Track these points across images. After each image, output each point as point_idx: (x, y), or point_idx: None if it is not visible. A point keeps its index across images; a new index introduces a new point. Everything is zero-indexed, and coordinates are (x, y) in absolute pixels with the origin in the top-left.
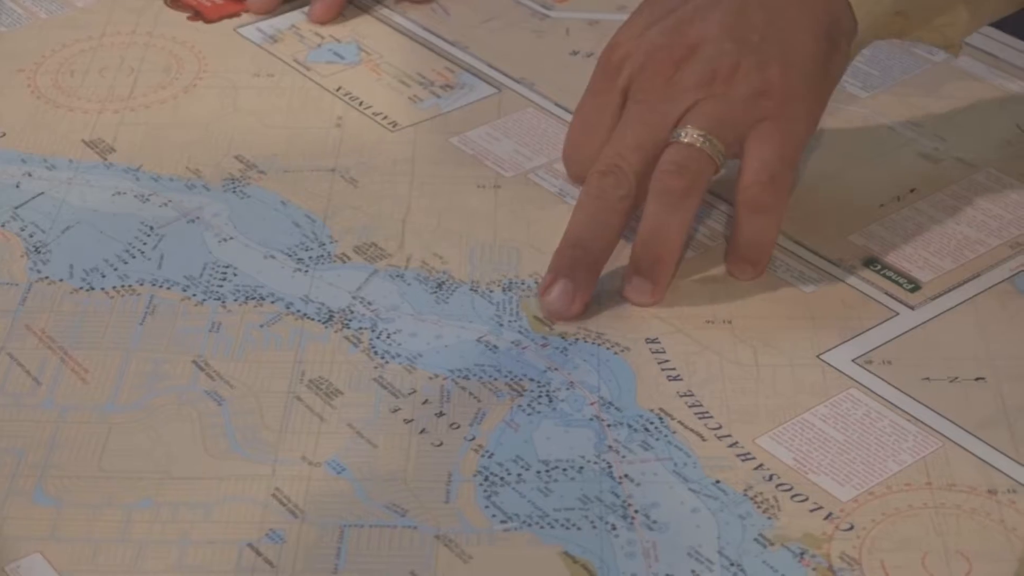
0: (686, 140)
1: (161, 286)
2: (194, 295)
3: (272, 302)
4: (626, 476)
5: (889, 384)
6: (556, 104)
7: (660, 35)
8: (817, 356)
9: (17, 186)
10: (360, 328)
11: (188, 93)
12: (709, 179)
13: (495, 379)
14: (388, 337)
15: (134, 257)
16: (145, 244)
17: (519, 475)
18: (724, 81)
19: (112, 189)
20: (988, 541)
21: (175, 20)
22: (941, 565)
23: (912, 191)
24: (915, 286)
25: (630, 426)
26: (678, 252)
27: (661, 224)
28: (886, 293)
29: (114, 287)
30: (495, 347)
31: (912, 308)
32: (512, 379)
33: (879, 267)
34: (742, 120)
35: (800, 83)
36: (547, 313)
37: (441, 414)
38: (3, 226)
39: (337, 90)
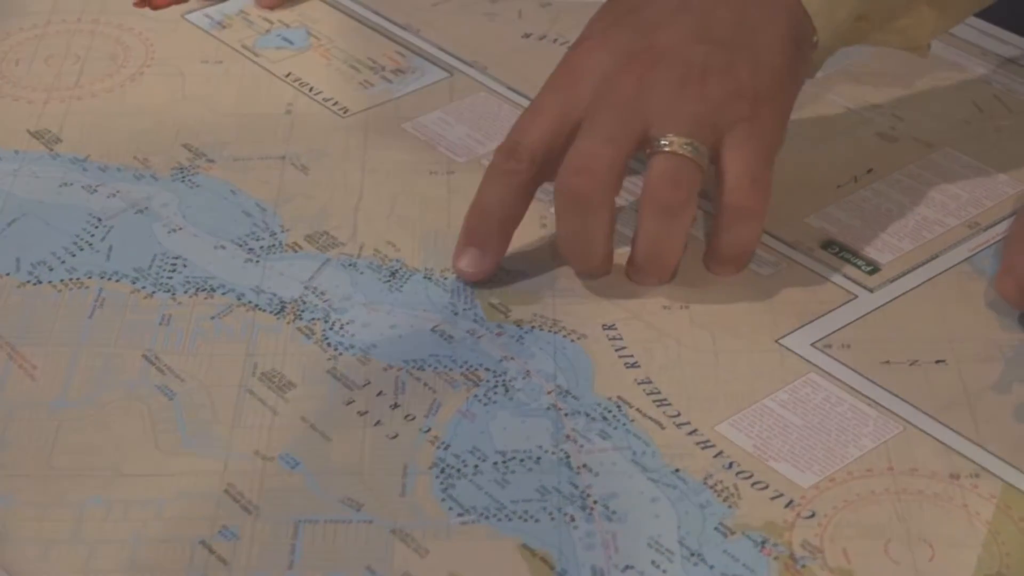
0: (671, 149)
1: (110, 279)
2: (143, 287)
3: (223, 293)
4: (584, 466)
5: (849, 368)
6: (508, 88)
7: (629, 39)
8: (776, 341)
9: None
10: (313, 319)
11: (135, 81)
12: (699, 184)
13: (450, 369)
14: (341, 328)
15: (82, 250)
16: (93, 236)
17: (476, 466)
18: (697, 83)
19: (59, 180)
20: (951, 526)
21: (122, 7)
22: (904, 552)
23: (869, 171)
24: (873, 268)
25: (588, 415)
26: (681, 253)
27: (660, 238)
28: (844, 276)
29: (62, 280)
30: (450, 336)
31: (871, 290)
32: (468, 369)
33: (837, 249)
34: (719, 123)
35: (771, 84)
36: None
37: (396, 406)
38: None
39: (287, 76)
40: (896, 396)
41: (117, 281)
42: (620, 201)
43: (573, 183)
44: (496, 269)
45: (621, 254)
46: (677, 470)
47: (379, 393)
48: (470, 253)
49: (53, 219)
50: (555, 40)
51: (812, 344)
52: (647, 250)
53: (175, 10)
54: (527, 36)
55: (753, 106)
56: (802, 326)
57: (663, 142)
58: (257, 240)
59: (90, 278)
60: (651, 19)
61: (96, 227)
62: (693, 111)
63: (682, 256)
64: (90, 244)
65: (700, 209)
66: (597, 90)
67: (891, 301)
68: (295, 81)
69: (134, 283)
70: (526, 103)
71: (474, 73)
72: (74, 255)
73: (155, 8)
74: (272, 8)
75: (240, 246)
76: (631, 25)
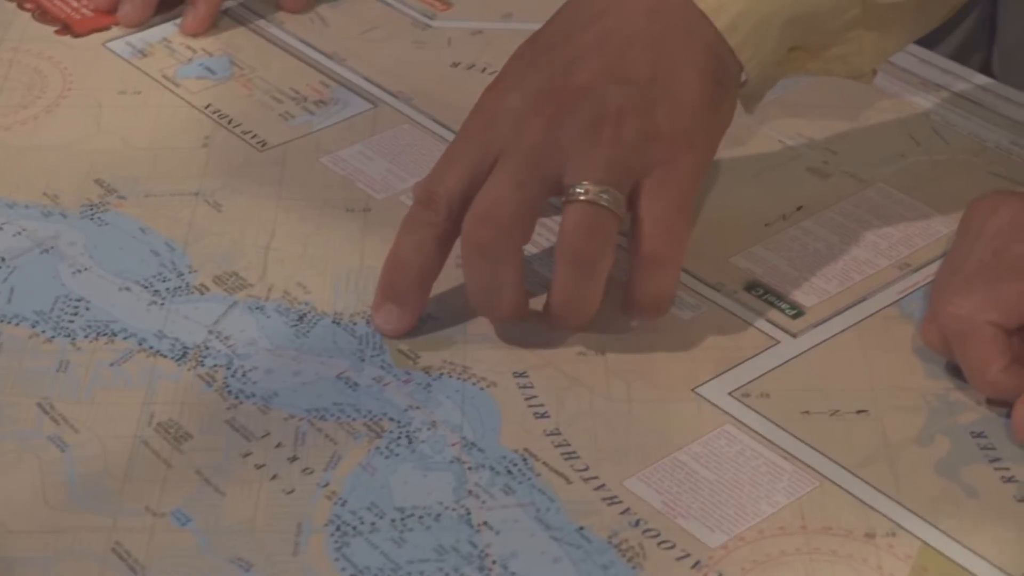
0: (586, 198)
1: (10, 322)
2: (43, 331)
3: (124, 338)
4: (485, 523)
5: (766, 419)
6: (434, 120)
7: (542, 79)
8: (692, 390)
9: None
10: (215, 365)
11: (50, 113)
12: (617, 233)
13: (353, 419)
14: (243, 375)
15: None
16: None
17: (373, 524)
18: (611, 126)
19: None
20: None
21: (42, 34)
22: None
23: (799, 209)
24: (798, 312)
25: (492, 468)
26: (599, 302)
27: (576, 289)
28: (767, 320)
29: None
30: (356, 384)
31: (794, 336)
32: (371, 419)
33: (761, 292)
34: (634, 167)
35: (690, 126)
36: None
37: (295, 458)
38: None
39: (206, 107)
40: (814, 449)
41: (17, 324)
42: (544, 242)
43: (478, 232)
44: (416, 323)
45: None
46: (581, 528)
47: (278, 445)
48: (388, 309)
49: None
50: (484, 69)
51: (730, 393)
52: (563, 300)
53: (97, 38)
54: (456, 65)
55: (670, 149)
56: (720, 374)
57: (578, 190)
58: (163, 281)
59: None
60: (565, 58)
61: None
62: (607, 155)
63: (600, 302)
64: None
65: (622, 248)
66: (508, 134)
67: (814, 347)
68: (214, 113)
69: (34, 326)
70: (450, 136)
71: (399, 104)
72: None
73: (76, 35)
74: (196, 35)
75: (145, 288)
76: (545, 65)
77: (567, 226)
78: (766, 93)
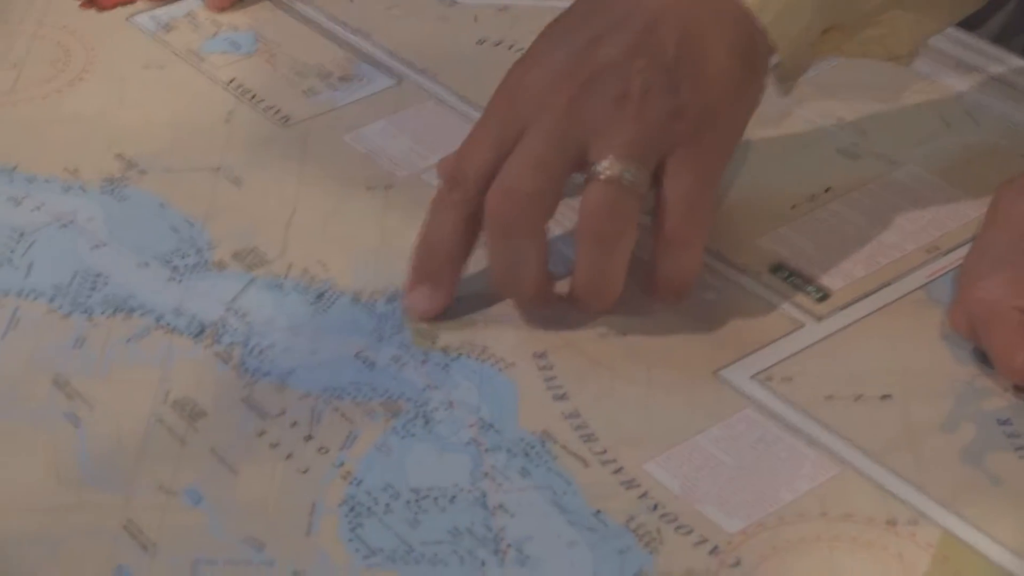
0: (607, 176)
1: (27, 297)
2: (60, 306)
3: (141, 315)
4: (501, 506)
5: (788, 403)
6: (458, 96)
7: (566, 56)
8: (714, 372)
9: None
10: (232, 343)
11: (73, 87)
12: (638, 210)
13: (370, 398)
14: (260, 352)
15: (1, 266)
16: (13, 252)
17: (387, 504)
18: (635, 102)
19: None
20: None
21: (67, 8)
22: None
23: (827, 190)
24: (824, 295)
25: (509, 450)
26: (622, 281)
27: (598, 268)
28: (792, 303)
29: None
30: (373, 363)
31: (819, 319)
32: (388, 398)
33: (787, 274)
34: (658, 146)
35: (716, 104)
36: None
37: (310, 437)
38: None
39: (229, 83)
40: (836, 434)
41: (34, 300)
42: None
43: (500, 207)
44: (449, 303)
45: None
46: (598, 512)
47: (293, 424)
48: (420, 291)
49: None
50: (510, 47)
51: (752, 376)
52: (585, 281)
53: (121, 12)
54: (481, 42)
55: (695, 128)
56: (743, 357)
57: (600, 168)
58: (183, 258)
59: (7, 296)
60: (591, 35)
61: (18, 242)
62: (631, 132)
63: (623, 283)
64: (10, 260)
65: (645, 227)
66: (532, 111)
67: (839, 331)
68: (237, 88)
69: (51, 301)
70: (475, 114)
71: (423, 81)
72: None
73: (101, 9)
74: (221, 10)
75: (164, 264)
76: (570, 42)
77: (587, 205)
78: (801, 75)
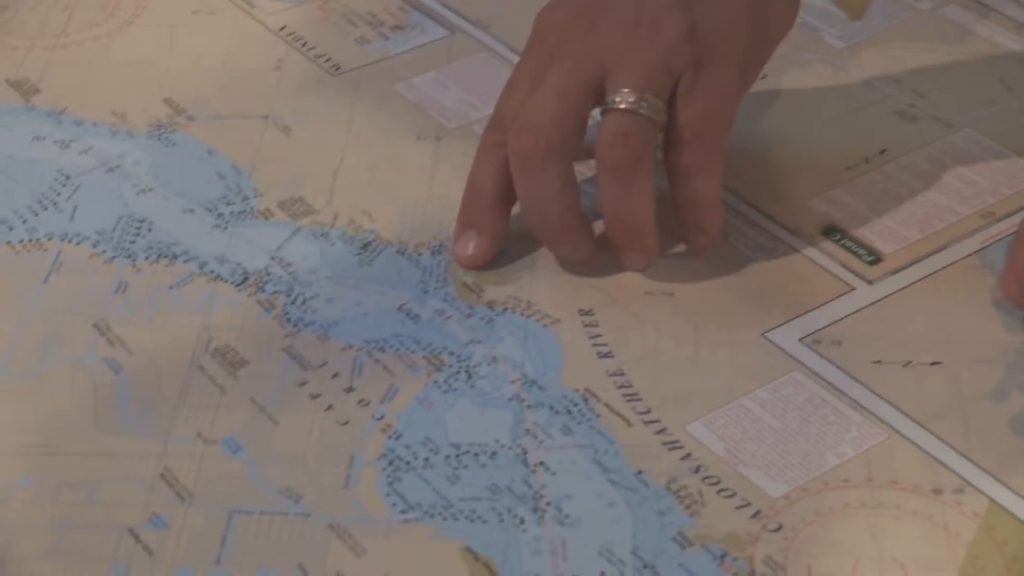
0: (623, 106)
1: (71, 241)
2: (104, 251)
3: (185, 261)
4: (541, 464)
5: (836, 367)
6: (510, 48)
7: None
8: (762, 334)
9: None
10: (275, 292)
11: (123, 31)
12: (656, 139)
13: (413, 352)
14: (304, 303)
15: (46, 209)
16: (59, 195)
17: (426, 459)
18: (648, 27)
19: (32, 134)
20: (927, 548)
21: None
22: (873, 573)
23: (882, 152)
24: (875, 258)
25: (552, 408)
26: (651, 215)
27: (621, 200)
28: (843, 266)
29: (20, 241)
30: (417, 316)
31: (870, 283)
32: (431, 352)
33: (839, 236)
34: (672, 69)
35: (729, 26)
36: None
37: (351, 389)
38: None
39: (281, 30)
40: (884, 400)
41: (78, 244)
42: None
43: (518, 139)
44: (496, 250)
45: None
46: (640, 472)
47: (335, 375)
48: (467, 236)
49: (21, 175)
50: None
51: (800, 339)
52: (611, 215)
53: None
54: None
55: (707, 51)
56: (791, 319)
57: (615, 98)
58: (228, 205)
59: (50, 239)
60: None
61: (64, 185)
62: (644, 58)
63: (651, 218)
64: (55, 203)
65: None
66: (555, 45)
67: (890, 295)
68: (288, 35)
69: (95, 246)
70: None
71: (476, 32)
72: (37, 214)
73: None
74: None
75: (209, 211)
76: None
77: (603, 137)
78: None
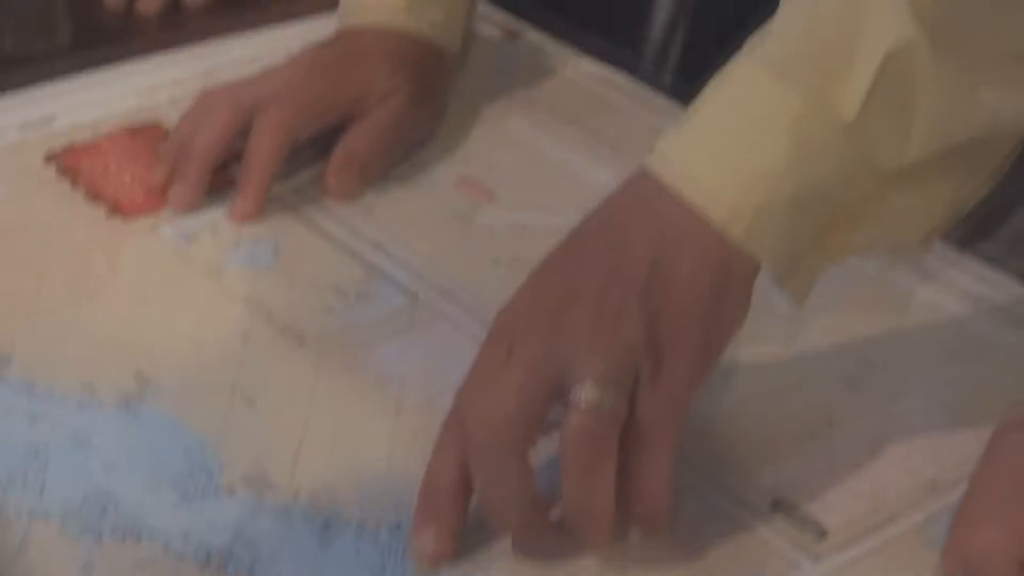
0: (586, 404)
1: (39, 518)
2: (70, 529)
3: (150, 539)
4: None
5: None
6: (473, 317)
7: (545, 285)
8: None
9: None
10: (237, 572)
11: (93, 300)
12: (618, 431)
13: None
14: None
15: (15, 485)
16: (27, 472)
17: None
18: (611, 324)
19: (3, 407)
20: None
21: (91, 216)
22: None
23: (829, 424)
24: (821, 533)
25: None
26: (611, 506)
27: (584, 494)
28: (788, 540)
29: None
30: None
31: (814, 559)
32: None
33: (787, 510)
34: (633, 364)
35: (689, 319)
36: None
37: None
38: None
39: (248, 299)
40: None
41: (46, 521)
42: None
43: (476, 435)
44: (457, 544)
45: None
46: None
47: None
48: (427, 533)
49: None
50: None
51: None
52: (573, 509)
53: (145, 222)
54: (496, 261)
55: (668, 346)
56: None
57: (578, 397)
58: (192, 480)
59: (19, 516)
60: (576, 265)
61: (33, 460)
62: (607, 355)
63: (613, 508)
64: (24, 481)
65: None
66: (516, 344)
67: (833, 572)
68: (255, 305)
69: (62, 523)
70: None
71: (438, 300)
72: (6, 492)
73: (125, 218)
74: (246, 220)
75: (174, 487)
76: (557, 271)
77: (568, 436)
78: (810, 284)
